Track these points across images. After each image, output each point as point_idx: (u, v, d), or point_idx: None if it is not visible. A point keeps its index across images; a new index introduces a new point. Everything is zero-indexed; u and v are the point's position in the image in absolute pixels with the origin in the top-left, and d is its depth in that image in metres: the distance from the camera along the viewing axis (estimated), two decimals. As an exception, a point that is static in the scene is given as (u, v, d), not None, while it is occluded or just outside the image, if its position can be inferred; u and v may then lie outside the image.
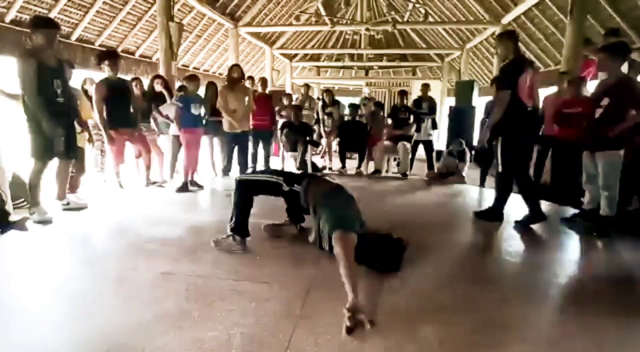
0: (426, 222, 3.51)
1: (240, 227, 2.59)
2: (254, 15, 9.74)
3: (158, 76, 5.47)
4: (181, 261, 2.39)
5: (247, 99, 5.30)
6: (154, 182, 4.65)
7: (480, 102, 7.08)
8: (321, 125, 7.14)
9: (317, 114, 7.35)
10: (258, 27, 10.42)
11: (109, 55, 4.24)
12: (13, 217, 3.06)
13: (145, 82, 5.36)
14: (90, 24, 6.79)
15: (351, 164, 6.40)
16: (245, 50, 12.05)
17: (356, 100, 11.01)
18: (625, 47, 3.16)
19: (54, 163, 3.35)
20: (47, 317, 1.78)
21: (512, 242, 3.10)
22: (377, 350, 1.55)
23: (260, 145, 5.95)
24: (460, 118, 7.22)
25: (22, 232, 2.91)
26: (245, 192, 2.62)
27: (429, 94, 6.80)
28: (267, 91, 6.17)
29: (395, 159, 6.66)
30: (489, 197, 3.62)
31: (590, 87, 4.27)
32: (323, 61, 16.19)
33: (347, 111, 7.30)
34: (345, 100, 9.11)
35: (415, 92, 10.26)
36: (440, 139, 8.85)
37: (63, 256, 2.63)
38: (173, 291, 2.00)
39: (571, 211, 3.73)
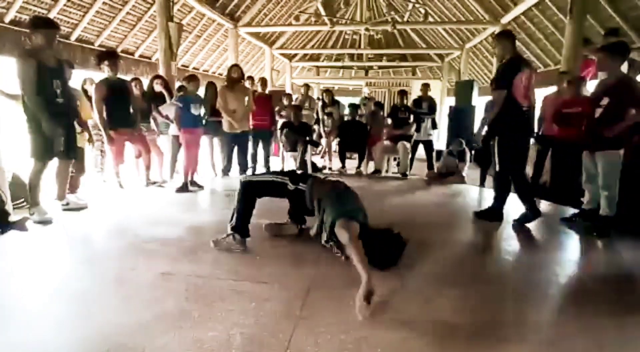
0: (426, 222, 3.50)
1: (240, 226, 2.59)
2: (253, 15, 9.74)
3: (158, 76, 5.47)
4: (181, 261, 2.39)
5: (246, 99, 5.30)
6: (154, 183, 4.64)
7: (480, 102, 7.08)
8: (321, 125, 7.14)
9: (317, 114, 7.35)
10: (258, 27, 10.42)
11: (109, 56, 4.24)
12: (13, 218, 3.06)
13: (145, 83, 5.36)
14: (89, 24, 6.80)
15: (351, 164, 6.40)
16: (245, 51, 12.06)
17: (356, 100, 11.02)
18: (625, 47, 3.16)
19: (54, 163, 3.35)
20: (47, 317, 1.78)
21: (511, 242, 3.10)
22: (377, 350, 1.55)
23: (260, 145, 5.95)
24: (460, 118, 7.23)
25: (22, 233, 2.90)
26: (249, 193, 2.63)
27: (429, 93, 6.80)
28: (266, 91, 6.17)
29: (395, 159, 6.67)
30: (488, 197, 3.63)
31: (590, 87, 4.27)
32: (323, 61, 16.18)
33: (346, 111, 7.31)
34: (345, 100, 9.11)
35: (415, 92, 10.27)
36: (440, 139, 8.86)
37: (63, 256, 2.63)
38: (173, 291, 2.00)
39: (571, 211, 3.73)
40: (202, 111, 4.74)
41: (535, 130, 4.89)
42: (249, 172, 5.64)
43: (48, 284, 2.10)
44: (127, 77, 5.34)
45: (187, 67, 10.11)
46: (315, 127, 7.18)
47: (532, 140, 4.83)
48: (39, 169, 3.21)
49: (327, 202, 2.40)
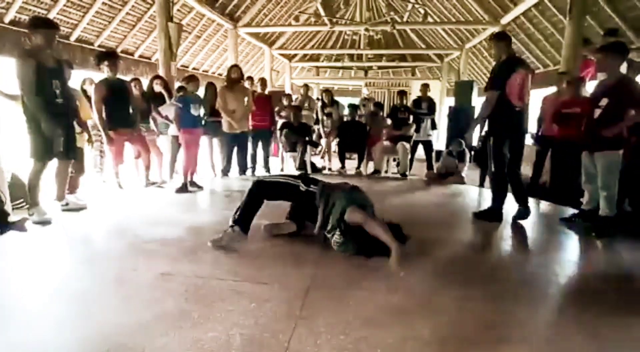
0: (426, 222, 3.50)
1: (242, 220, 2.62)
2: (253, 15, 9.73)
3: (157, 77, 5.47)
4: (181, 262, 2.39)
5: (246, 99, 5.30)
6: (153, 183, 4.64)
7: (479, 103, 7.08)
8: (320, 125, 7.14)
9: (317, 114, 7.36)
10: (257, 27, 10.42)
11: (108, 56, 4.23)
12: (12, 218, 3.05)
13: (145, 83, 5.36)
14: (89, 25, 6.79)
15: (350, 165, 6.40)
16: (245, 51, 12.05)
17: (355, 100, 11.02)
18: (624, 47, 3.17)
19: (54, 164, 3.35)
20: (47, 317, 1.78)
21: (511, 242, 3.11)
22: (377, 350, 1.55)
23: (260, 145, 5.95)
24: (459, 118, 7.22)
25: (21, 233, 2.90)
26: (259, 192, 2.68)
27: (429, 94, 6.80)
28: (266, 91, 6.17)
29: (394, 160, 6.67)
30: (488, 197, 3.63)
31: (590, 87, 4.28)
32: (322, 61, 16.18)
33: (346, 111, 7.31)
34: (344, 101, 9.11)
35: (414, 92, 10.28)
36: (439, 139, 8.86)
37: (62, 256, 2.63)
38: (173, 291, 2.00)
39: (570, 211, 3.73)
40: (202, 111, 4.74)
41: (535, 130, 4.91)
42: (248, 172, 5.65)
43: (48, 284, 2.10)
44: (127, 78, 5.34)
45: (187, 67, 10.11)
46: (315, 127, 7.18)
47: (531, 141, 4.86)
48: (38, 169, 3.21)
49: (338, 196, 2.55)
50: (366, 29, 10.06)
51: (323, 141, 7.38)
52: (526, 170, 4.75)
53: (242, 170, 5.58)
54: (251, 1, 9.42)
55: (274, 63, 12.81)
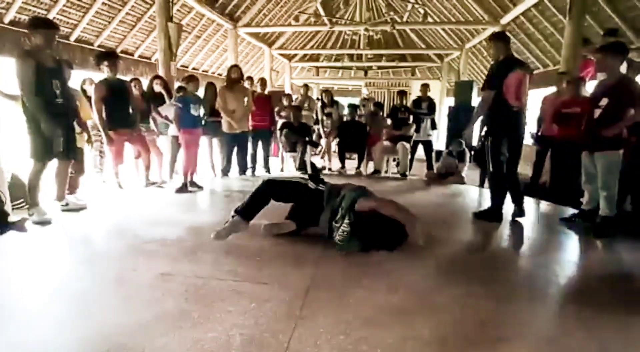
0: (425, 222, 3.47)
1: (245, 210, 2.64)
2: (253, 15, 9.73)
3: (157, 77, 5.47)
4: (181, 262, 2.39)
5: (246, 99, 5.30)
6: (153, 183, 4.64)
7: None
8: (320, 125, 7.14)
9: (317, 114, 7.36)
10: (257, 27, 10.42)
11: (108, 56, 4.23)
12: (12, 218, 3.05)
13: (145, 83, 5.36)
14: (89, 25, 6.79)
15: (350, 165, 6.40)
16: (245, 51, 12.05)
17: (355, 100, 11.02)
18: (624, 47, 3.17)
19: (53, 164, 3.35)
20: (47, 317, 1.78)
21: (511, 242, 3.11)
22: (377, 350, 1.55)
23: (260, 146, 5.95)
24: (459, 118, 7.22)
25: (21, 233, 2.89)
26: (268, 191, 2.70)
27: (428, 94, 6.80)
28: (266, 91, 6.17)
29: (394, 160, 6.66)
30: (488, 197, 3.63)
31: (590, 87, 4.28)
32: (322, 61, 16.18)
33: (346, 111, 7.30)
34: (344, 101, 9.11)
35: (414, 92, 10.27)
36: (439, 139, 8.86)
37: (62, 256, 2.63)
38: (173, 291, 1.99)
39: (570, 211, 3.73)
40: (202, 111, 4.74)
41: (535, 130, 4.92)
42: (248, 172, 5.65)
43: (48, 284, 2.10)
44: (127, 78, 5.34)
45: (187, 67, 10.10)
46: (315, 127, 7.18)
47: (531, 141, 4.87)
48: (38, 169, 3.21)
49: (347, 189, 2.65)
50: (366, 29, 10.05)
51: (323, 141, 7.38)
52: (526, 170, 4.76)
53: (242, 170, 5.58)
54: (251, 1, 9.42)
55: (274, 63, 12.81)
